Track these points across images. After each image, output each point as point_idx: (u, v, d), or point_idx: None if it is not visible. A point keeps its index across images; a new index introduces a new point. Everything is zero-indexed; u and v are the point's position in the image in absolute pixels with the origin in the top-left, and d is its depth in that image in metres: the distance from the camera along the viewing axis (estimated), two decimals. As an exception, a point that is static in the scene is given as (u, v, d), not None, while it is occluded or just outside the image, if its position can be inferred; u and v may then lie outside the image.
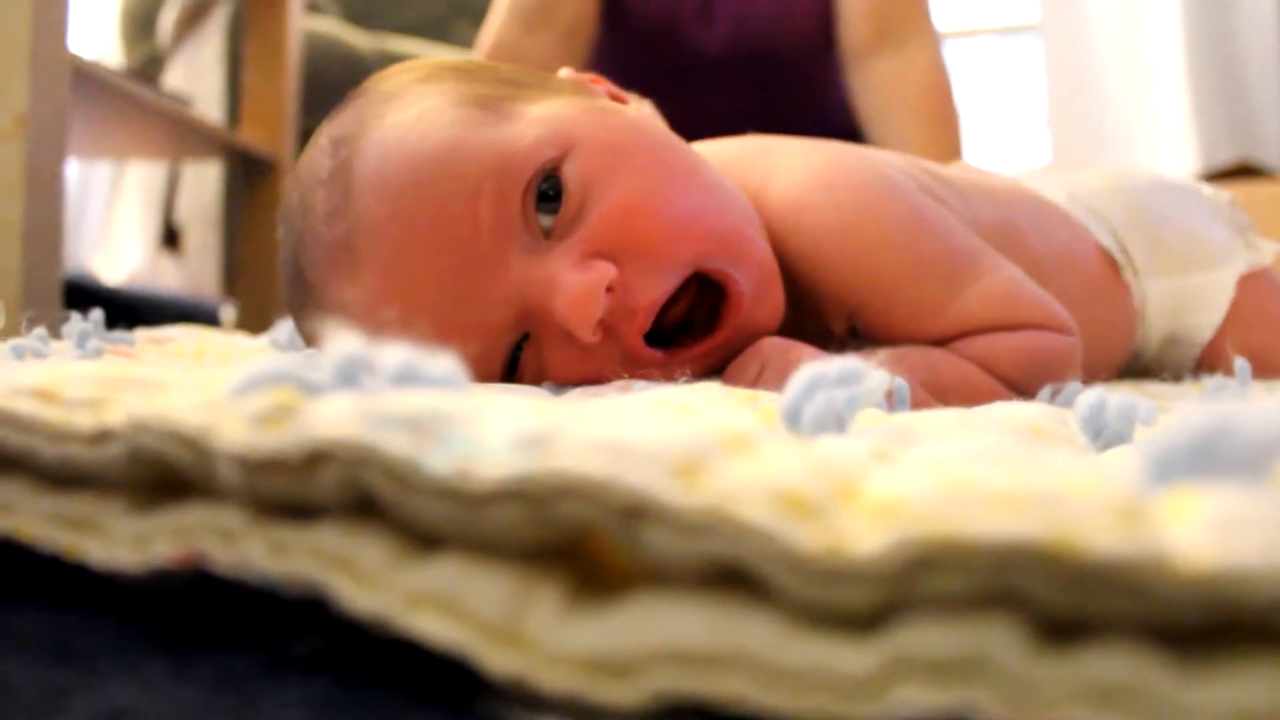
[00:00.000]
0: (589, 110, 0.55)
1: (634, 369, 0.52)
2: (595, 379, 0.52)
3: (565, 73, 0.63)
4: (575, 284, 0.49)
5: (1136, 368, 0.77)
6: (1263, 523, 0.18)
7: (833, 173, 0.60)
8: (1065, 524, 0.18)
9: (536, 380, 0.53)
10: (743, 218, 0.56)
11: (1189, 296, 0.74)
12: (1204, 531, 0.18)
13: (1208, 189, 0.81)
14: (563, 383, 0.53)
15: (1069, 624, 0.18)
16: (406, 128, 0.52)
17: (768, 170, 0.61)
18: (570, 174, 0.52)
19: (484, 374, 0.52)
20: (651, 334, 0.53)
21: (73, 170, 2.68)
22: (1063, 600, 0.18)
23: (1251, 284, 0.75)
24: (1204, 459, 0.20)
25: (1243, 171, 2.17)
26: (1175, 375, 0.75)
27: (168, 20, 2.35)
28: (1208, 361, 0.75)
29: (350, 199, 0.51)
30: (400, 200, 0.50)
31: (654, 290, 0.51)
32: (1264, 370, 0.65)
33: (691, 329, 0.55)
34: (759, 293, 0.55)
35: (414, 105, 0.53)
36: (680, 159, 0.56)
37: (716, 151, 0.64)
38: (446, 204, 0.50)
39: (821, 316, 0.59)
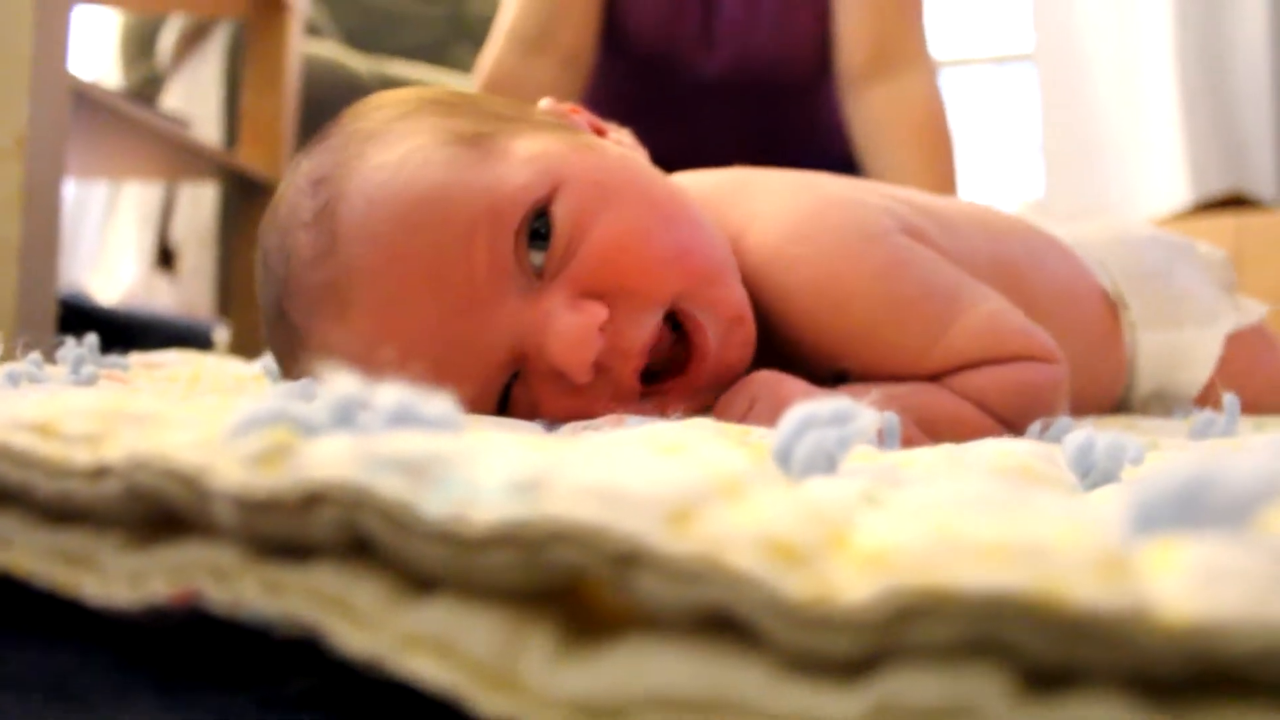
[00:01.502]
0: (575, 147, 0.55)
1: (623, 405, 0.52)
2: (585, 415, 0.52)
3: (545, 103, 0.63)
4: (570, 326, 0.50)
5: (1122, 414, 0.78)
6: (1245, 574, 0.18)
7: (809, 224, 0.60)
8: (1049, 575, 0.18)
9: (528, 416, 0.53)
10: (721, 257, 0.56)
11: (1179, 352, 0.75)
12: (1186, 583, 0.18)
13: (1203, 246, 0.82)
14: (554, 419, 0.53)
15: (1054, 673, 0.19)
16: (392, 170, 0.51)
17: (747, 215, 0.61)
18: (559, 213, 0.52)
19: (477, 413, 0.52)
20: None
21: (69, 189, 2.68)
22: (1047, 650, 0.18)
23: (1239, 342, 0.76)
24: (1188, 509, 0.20)
25: (1234, 202, 2.18)
26: (1168, 413, 0.75)
27: (167, 41, 2.36)
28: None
29: (337, 243, 0.51)
30: (392, 246, 0.50)
31: (643, 331, 0.52)
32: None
33: (669, 366, 0.55)
34: (726, 338, 0.55)
35: (398, 145, 0.52)
36: (664, 195, 0.56)
37: (698, 184, 0.64)
38: (440, 249, 0.50)
39: (799, 360, 0.59)
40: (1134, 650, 0.18)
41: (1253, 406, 0.69)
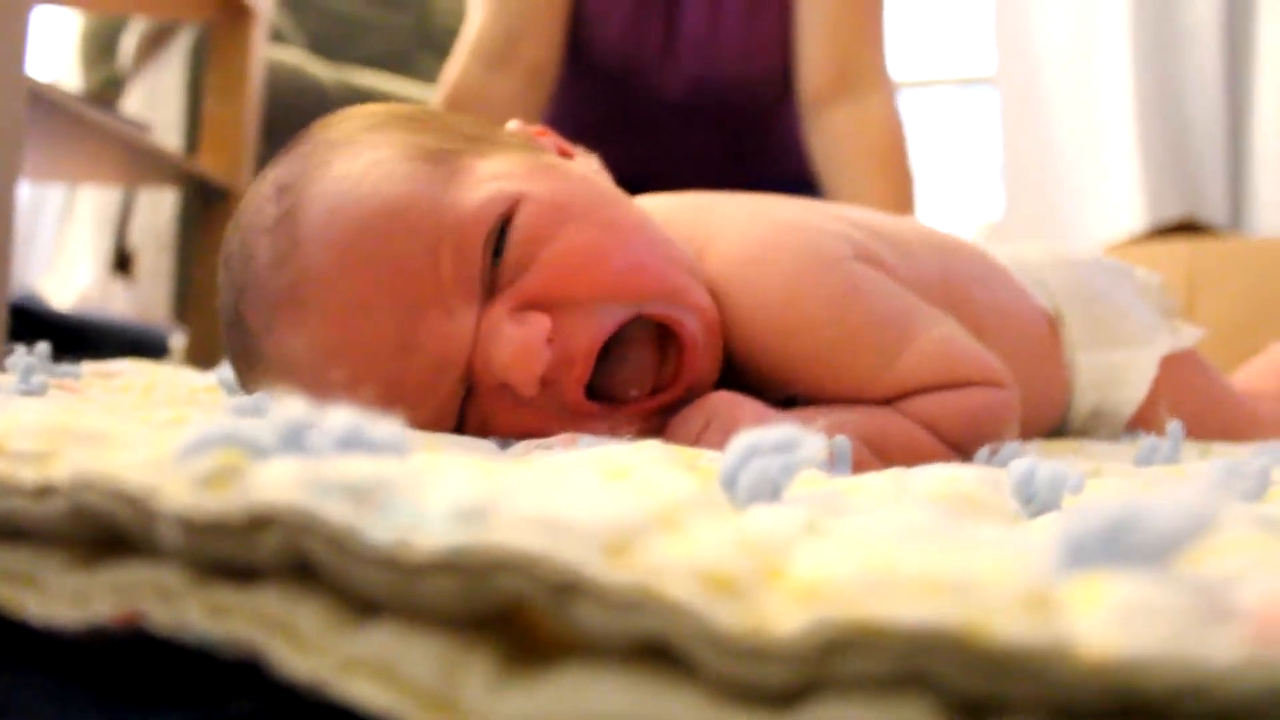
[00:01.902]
0: (536, 168, 0.55)
1: (575, 423, 0.52)
2: (536, 433, 0.52)
3: (514, 125, 0.63)
4: (515, 338, 0.50)
5: (1066, 435, 0.79)
6: (1164, 612, 0.19)
7: (766, 249, 0.60)
8: (974, 611, 0.19)
9: (481, 433, 0.53)
10: (686, 272, 0.57)
11: (1115, 371, 0.77)
12: (1107, 620, 0.19)
13: (1140, 271, 0.84)
14: (506, 436, 0.53)
15: (980, 705, 0.19)
16: (354, 180, 0.51)
17: (705, 238, 0.61)
18: (514, 229, 0.52)
19: (434, 428, 0.52)
20: (599, 390, 0.53)
21: (24, 189, 2.65)
22: (973, 683, 0.19)
23: (1174, 365, 0.77)
24: (1114, 545, 0.21)
25: (1188, 228, 2.22)
26: (1111, 435, 0.77)
27: (129, 44, 2.34)
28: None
29: (296, 248, 0.51)
30: (350, 253, 0.50)
31: (588, 334, 0.52)
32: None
33: (639, 383, 0.55)
34: (707, 339, 0.55)
35: (362, 155, 0.52)
36: (623, 214, 0.57)
37: (657, 207, 0.64)
38: (400, 259, 0.50)
39: (758, 384, 0.60)
40: (1056, 685, 0.18)
41: (1187, 429, 0.71)
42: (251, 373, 0.54)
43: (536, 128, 0.64)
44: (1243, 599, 0.19)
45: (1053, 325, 0.76)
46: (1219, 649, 0.18)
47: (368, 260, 0.50)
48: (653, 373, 0.55)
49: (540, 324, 0.50)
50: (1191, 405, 0.76)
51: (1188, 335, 0.80)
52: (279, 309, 0.51)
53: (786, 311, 0.58)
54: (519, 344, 0.49)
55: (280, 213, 0.52)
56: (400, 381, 0.50)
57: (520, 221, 0.52)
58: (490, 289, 0.52)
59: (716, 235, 0.61)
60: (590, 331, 0.52)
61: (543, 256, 0.52)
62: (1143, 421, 0.76)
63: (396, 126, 0.55)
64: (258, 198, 0.55)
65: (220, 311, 0.57)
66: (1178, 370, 0.78)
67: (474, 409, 0.53)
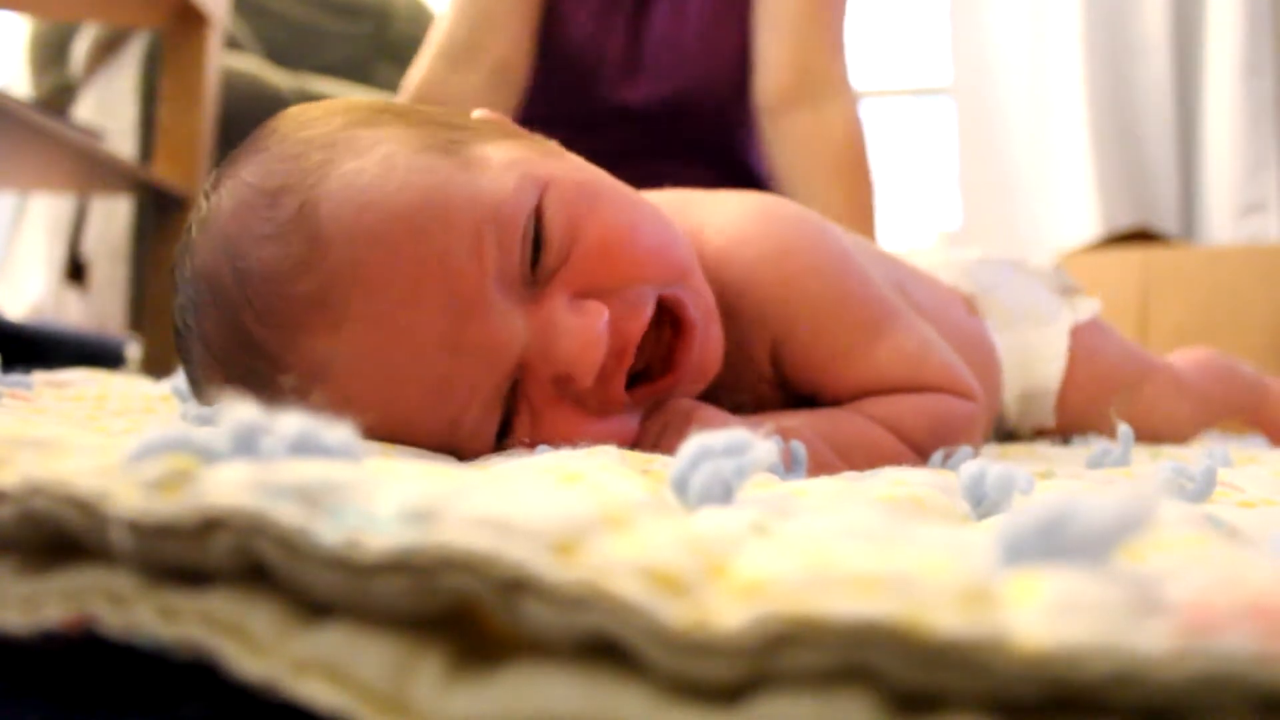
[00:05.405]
0: (543, 153, 0.54)
1: (606, 417, 0.52)
2: (570, 431, 0.50)
3: (480, 113, 0.61)
4: (579, 328, 0.49)
5: (1004, 429, 0.83)
6: (1095, 605, 0.19)
7: (769, 208, 0.62)
8: (914, 605, 0.19)
9: (527, 434, 0.51)
10: (690, 252, 0.57)
11: (1030, 350, 0.81)
12: (1041, 613, 0.19)
13: (1033, 260, 0.88)
14: (548, 435, 0.51)
15: (920, 697, 0.20)
16: (377, 173, 0.48)
17: (700, 216, 0.62)
18: (551, 217, 0.51)
19: (481, 423, 0.50)
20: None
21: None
22: (912, 675, 0.19)
23: (1083, 335, 0.83)
24: (1053, 542, 0.21)
25: (1141, 236, 2.26)
26: (1045, 415, 0.81)
27: (80, 50, 2.31)
28: (1064, 416, 0.82)
29: (324, 250, 0.47)
30: (393, 249, 0.47)
31: (636, 323, 0.51)
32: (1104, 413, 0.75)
33: (649, 370, 0.55)
34: (707, 324, 0.55)
35: (371, 150, 0.49)
36: (634, 194, 0.57)
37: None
38: (445, 253, 0.47)
39: (747, 351, 0.60)
40: (992, 676, 0.19)
41: (1103, 385, 0.79)
42: (264, 394, 0.48)
43: (495, 116, 0.62)
44: (1173, 593, 0.19)
45: (972, 307, 0.80)
46: (1148, 640, 0.18)
47: (411, 255, 0.47)
48: (666, 354, 0.55)
49: (600, 313, 0.49)
50: (1105, 367, 0.83)
51: (1086, 308, 0.85)
52: (309, 316, 0.47)
53: (790, 259, 0.59)
54: (585, 332, 0.49)
55: (284, 218, 0.48)
56: (447, 380, 0.48)
57: (553, 208, 0.51)
58: (532, 279, 0.50)
59: (711, 210, 0.62)
60: (638, 317, 0.51)
61: (583, 241, 0.51)
62: (1072, 392, 0.81)
63: (387, 121, 0.52)
64: (237, 206, 0.50)
65: (206, 343, 0.51)
66: (1087, 340, 0.83)
67: (525, 407, 0.51)
